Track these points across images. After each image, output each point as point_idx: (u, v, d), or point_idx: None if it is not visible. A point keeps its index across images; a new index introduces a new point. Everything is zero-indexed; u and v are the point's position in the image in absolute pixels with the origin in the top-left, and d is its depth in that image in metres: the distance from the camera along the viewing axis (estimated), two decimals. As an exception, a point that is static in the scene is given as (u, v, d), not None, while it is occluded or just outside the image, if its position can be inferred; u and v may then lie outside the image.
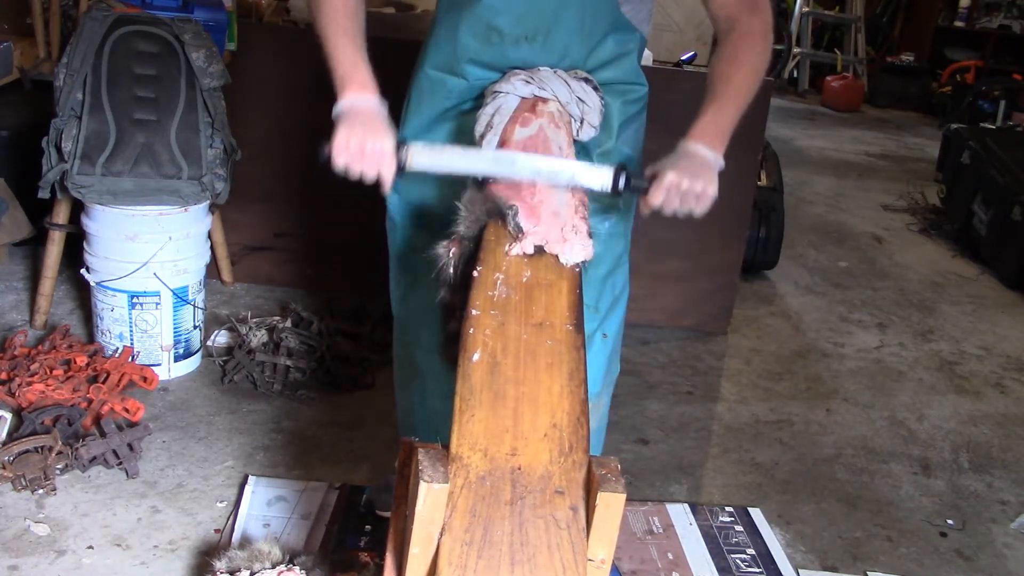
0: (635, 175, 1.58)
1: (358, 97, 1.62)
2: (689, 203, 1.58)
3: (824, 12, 9.12)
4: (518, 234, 1.48)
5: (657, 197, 1.57)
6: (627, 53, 1.79)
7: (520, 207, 1.51)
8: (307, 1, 1.70)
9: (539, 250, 1.49)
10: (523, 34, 1.70)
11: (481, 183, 1.59)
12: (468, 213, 1.53)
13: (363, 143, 1.55)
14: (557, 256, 1.49)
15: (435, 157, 1.57)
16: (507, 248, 1.48)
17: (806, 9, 8.92)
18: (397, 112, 1.89)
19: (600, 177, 1.56)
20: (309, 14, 1.69)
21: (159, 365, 2.73)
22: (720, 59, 1.70)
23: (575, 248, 1.49)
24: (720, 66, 1.69)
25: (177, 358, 2.77)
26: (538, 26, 1.70)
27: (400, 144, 1.57)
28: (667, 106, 2.34)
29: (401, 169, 1.57)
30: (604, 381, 1.88)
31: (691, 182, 1.56)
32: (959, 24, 9.21)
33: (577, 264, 1.50)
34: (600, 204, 1.78)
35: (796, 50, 8.93)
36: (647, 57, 3.47)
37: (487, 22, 1.71)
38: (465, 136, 1.75)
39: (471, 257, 1.51)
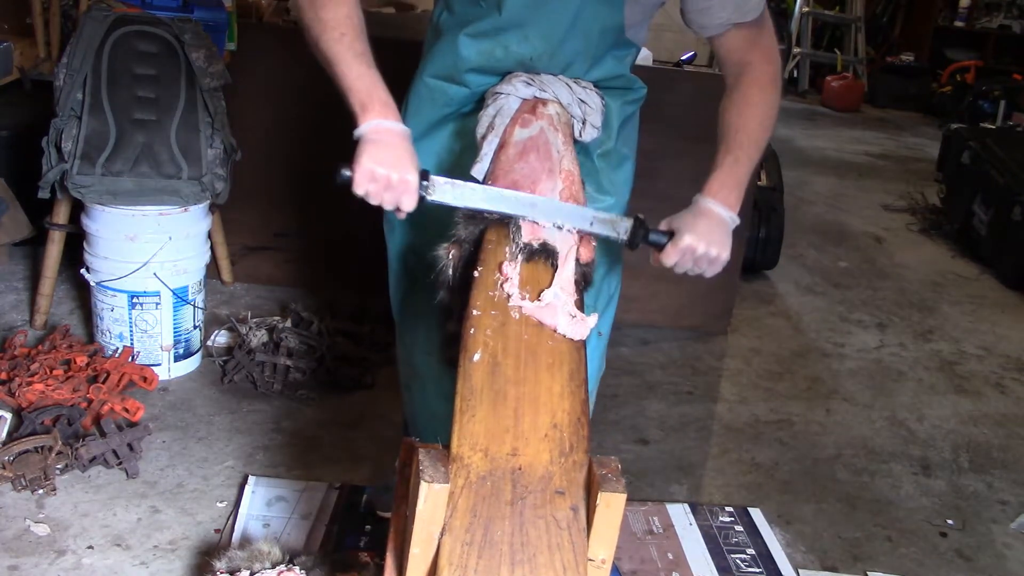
0: (653, 230, 1.57)
1: (382, 121, 1.53)
2: (702, 266, 1.58)
3: (824, 12, 9.12)
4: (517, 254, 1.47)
5: (671, 258, 1.56)
6: (624, 66, 1.80)
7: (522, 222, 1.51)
8: (306, 20, 1.58)
9: (540, 251, 1.48)
10: (528, 55, 1.70)
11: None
12: (466, 222, 1.52)
13: (389, 175, 1.49)
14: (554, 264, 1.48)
15: (457, 193, 1.53)
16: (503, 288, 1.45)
17: (806, 9, 8.93)
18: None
19: (617, 228, 1.55)
20: (307, 33, 1.59)
21: (159, 365, 2.73)
22: (731, 106, 1.67)
23: (573, 326, 1.46)
24: (732, 114, 1.66)
25: (177, 358, 2.77)
26: (544, 49, 1.70)
27: (423, 175, 1.52)
28: (667, 106, 2.35)
29: (422, 200, 1.53)
30: (596, 378, 1.89)
31: (707, 247, 1.55)
32: (959, 24, 9.22)
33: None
34: (598, 205, 1.79)
35: (796, 50, 8.93)
36: (647, 57, 3.47)
37: (491, 40, 1.70)
38: (466, 137, 1.75)
39: (470, 259, 1.51)
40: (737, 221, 1.62)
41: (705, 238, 1.55)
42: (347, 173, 1.50)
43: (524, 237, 1.49)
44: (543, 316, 1.41)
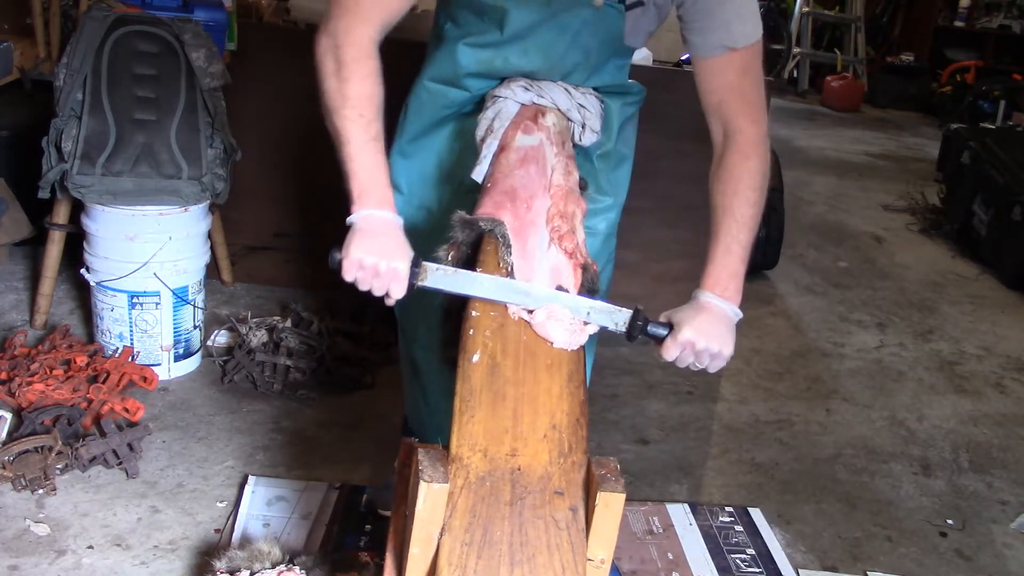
0: (653, 323, 1.52)
1: (375, 211, 1.51)
2: (703, 361, 1.54)
3: (824, 12, 9.12)
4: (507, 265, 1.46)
5: (671, 353, 1.52)
6: (622, 73, 1.81)
7: (511, 231, 1.50)
8: (327, 88, 1.54)
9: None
10: (529, 69, 1.71)
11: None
12: (463, 225, 1.52)
13: (378, 263, 1.47)
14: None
15: (448, 280, 1.48)
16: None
17: (806, 9, 8.92)
18: (396, 113, 1.89)
19: (616, 319, 1.50)
20: (324, 100, 1.54)
21: (159, 365, 2.73)
22: (720, 184, 1.63)
23: (570, 338, 1.45)
24: (720, 191, 1.63)
25: (177, 358, 2.77)
26: (543, 63, 1.70)
27: (413, 262, 1.48)
28: (667, 106, 2.35)
29: (412, 288, 1.49)
30: (590, 373, 1.90)
31: (707, 343, 1.52)
32: (959, 24, 9.21)
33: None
34: (597, 205, 1.79)
35: (796, 50, 8.93)
36: (647, 57, 3.47)
37: (492, 51, 1.71)
38: (466, 137, 1.75)
39: (468, 261, 1.51)
40: (739, 315, 1.58)
41: (705, 333, 1.52)
42: (339, 256, 1.48)
43: (514, 259, 1.48)
44: (540, 331, 1.41)
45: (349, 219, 1.52)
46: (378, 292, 1.49)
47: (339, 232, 1.48)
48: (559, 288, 1.46)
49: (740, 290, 1.60)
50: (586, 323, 1.46)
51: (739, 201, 1.61)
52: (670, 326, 1.53)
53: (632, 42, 1.75)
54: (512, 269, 1.47)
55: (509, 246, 1.48)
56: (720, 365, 1.56)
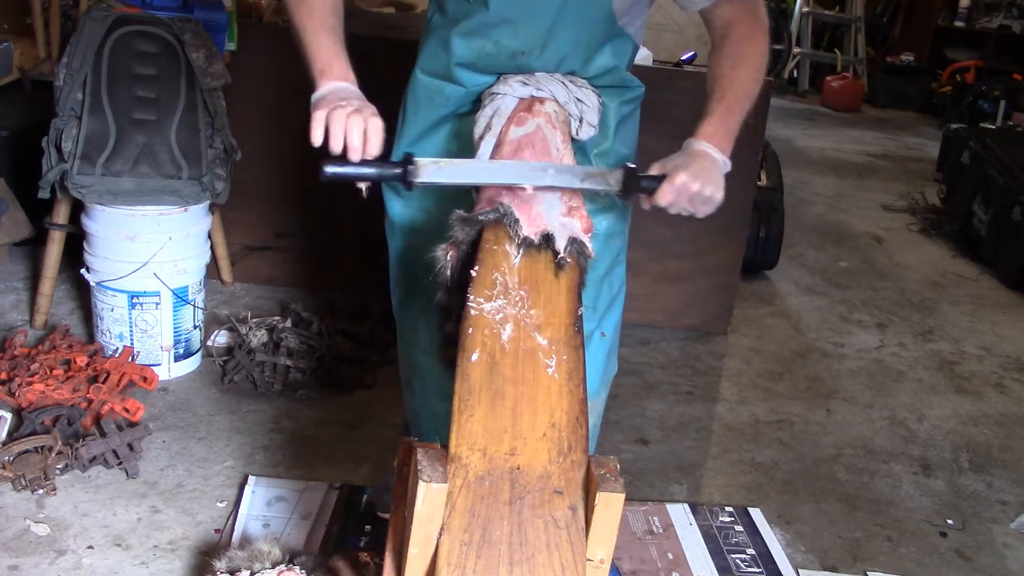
0: (644, 176, 1.57)
1: (338, 84, 1.57)
2: (696, 206, 1.58)
3: (824, 12, 9.11)
4: (517, 231, 1.47)
5: (666, 197, 1.56)
6: (621, 61, 1.79)
7: (515, 208, 1.50)
8: (285, 2, 1.65)
9: (542, 242, 1.47)
10: (519, 49, 1.70)
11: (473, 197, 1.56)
12: (463, 223, 1.52)
13: (349, 103, 1.50)
14: (555, 252, 1.47)
15: (443, 171, 1.52)
16: (510, 251, 1.46)
17: (806, 9, 8.92)
18: (394, 113, 1.89)
19: (609, 179, 1.55)
20: (286, 13, 1.66)
21: (159, 365, 2.73)
22: (722, 58, 1.68)
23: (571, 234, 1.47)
24: (723, 65, 1.67)
25: (177, 358, 2.77)
26: (534, 41, 1.69)
27: (406, 159, 1.51)
28: (667, 106, 2.35)
29: (409, 185, 1.51)
30: (602, 380, 1.89)
31: (701, 186, 1.55)
32: (959, 24, 9.21)
33: (574, 259, 1.48)
34: (597, 204, 1.79)
35: (796, 50, 8.93)
36: (647, 57, 3.47)
37: (482, 36, 1.70)
38: (463, 138, 1.75)
39: (468, 260, 1.51)
40: (729, 166, 1.62)
41: (699, 177, 1.55)
42: (325, 168, 1.46)
43: (524, 230, 1.48)
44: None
45: (314, 95, 1.55)
46: (357, 137, 1.47)
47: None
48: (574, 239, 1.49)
49: (731, 146, 1.63)
50: (580, 208, 1.51)
51: (745, 72, 1.66)
52: (663, 177, 1.56)
53: (625, 19, 1.74)
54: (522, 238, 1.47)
55: (516, 219, 1.48)
56: (710, 210, 1.59)
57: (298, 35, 1.62)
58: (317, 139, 1.49)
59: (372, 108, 1.53)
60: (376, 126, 1.49)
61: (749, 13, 1.71)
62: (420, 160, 1.51)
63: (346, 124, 1.48)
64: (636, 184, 1.55)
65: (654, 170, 1.59)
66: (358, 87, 1.60)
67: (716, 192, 1.57)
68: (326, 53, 1.60)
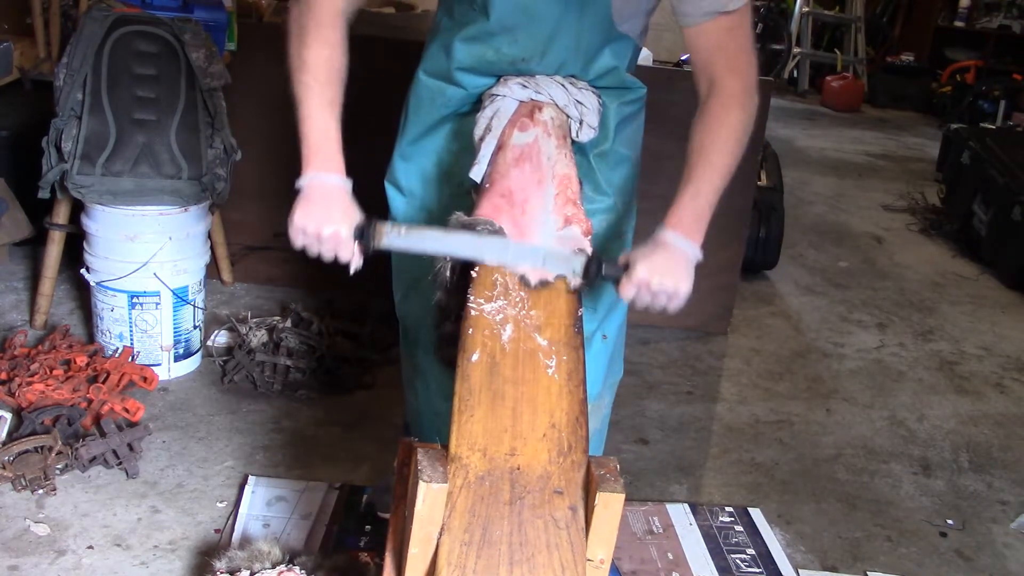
0: (608, 263, 1.51)
1: (320, 175, 1.56)
2: (660, 301, 1.52)
3: (824, 12, 9.11)
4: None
5: (627, 293, 1.51)
6: (622, 62, 1.79)
7: (509, 221, 1.50)
8: (289, 54, 1.65)
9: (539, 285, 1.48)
10: (520, 56, 1.70)
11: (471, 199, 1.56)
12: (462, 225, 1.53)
13: (319, 228, 1.52)
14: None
15: (404, 239, 1.51)
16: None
17: (806, 9, 8.92)
18: (396, 114, 1.89)
19: (572, 265, 1.49)
20: (288, 66, 1.64)
21: (159, 365, 2.73)
22: (698, 129, 1.63)
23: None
24: (698, 138, 1.62)
25: (177, 358, 2.77)
26: (534, 49, 1.69)
27: (368, 222, 1.51)
28: (667, 106, 2.35)
29: (367, 251, 1.52)
30: (605, 383, 1.88)
31: (661, 280, 1.49)
32: (959, 24, 9.21)
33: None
34: (598, 205, 1.79)
35: (796, 50, 8.93)
36: (647, 57, 3.47)
37: (483, 43, 1.70)
38: (463, 138, 1.75)
39: (467, 261, 1.51)
40: (699, 255, 1.56)
41: (660, 271, 1.50)
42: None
43: (521, 268, 1.48)
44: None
45: (297, 183, 1.57)
46: (327, 256, 1.54)
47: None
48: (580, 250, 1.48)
49: (703, 232, 1.58)
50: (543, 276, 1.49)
51: (716, 148, 1.61)
52: (626, 266, 1.51)
53: (625, 26, 1.73)
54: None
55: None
56: (677, 305, 1.54)
57: (295, 102, 1.61)
58: (298, 247, 1.56)
59: (341, 220, 1.52)
60: (344, 252, 1.53)
61: (731, 56, 1.66)
62: (382, 226, 1.51)
63: (318, 250, 1.55)
64: (598, 272, 1.49)
65: (620, 260, 1.53)
66: (343, 172, 1.57)
67: (680, 284, 1.51)
68: (316, 136, 1.58)
